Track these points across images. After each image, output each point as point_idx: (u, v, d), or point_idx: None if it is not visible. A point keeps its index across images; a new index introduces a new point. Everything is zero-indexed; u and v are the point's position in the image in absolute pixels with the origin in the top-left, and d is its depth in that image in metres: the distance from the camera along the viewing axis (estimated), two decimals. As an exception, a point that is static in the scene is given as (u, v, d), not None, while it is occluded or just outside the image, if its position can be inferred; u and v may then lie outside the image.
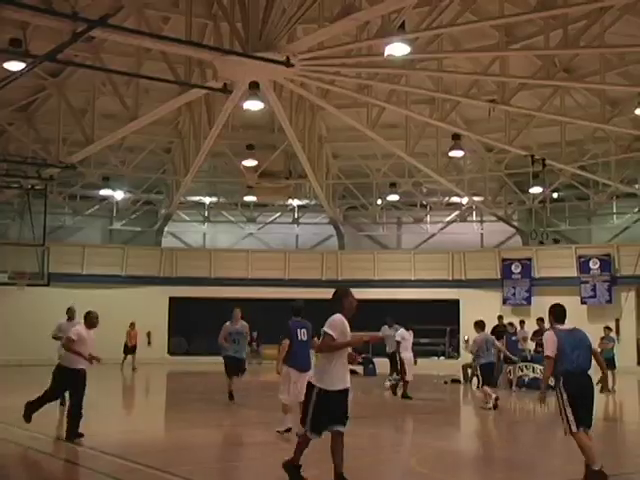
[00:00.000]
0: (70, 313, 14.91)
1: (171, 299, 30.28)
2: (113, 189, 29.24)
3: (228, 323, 15.85)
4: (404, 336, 17.79)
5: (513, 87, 19.76)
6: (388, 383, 18.68)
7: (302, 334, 10.76)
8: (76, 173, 26.08)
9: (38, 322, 26.76)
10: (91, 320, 10.93)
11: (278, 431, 10.78)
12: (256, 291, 29.80)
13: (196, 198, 32.16)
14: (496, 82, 20.46)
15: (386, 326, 20.22)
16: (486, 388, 15.02)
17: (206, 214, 33.45)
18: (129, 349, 26.21)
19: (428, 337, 29.51)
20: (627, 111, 20.59)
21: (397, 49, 15.47)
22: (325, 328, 7.40)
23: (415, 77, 21.15)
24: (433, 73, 20.27)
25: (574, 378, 7.85)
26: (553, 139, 24.63)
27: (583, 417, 7.93)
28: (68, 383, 10.62)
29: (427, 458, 9.66)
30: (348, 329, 7.53)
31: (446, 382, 21.82)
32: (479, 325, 15.56)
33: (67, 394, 11.12)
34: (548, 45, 16.78)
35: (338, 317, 7.50)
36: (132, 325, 26.30)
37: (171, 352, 30.31)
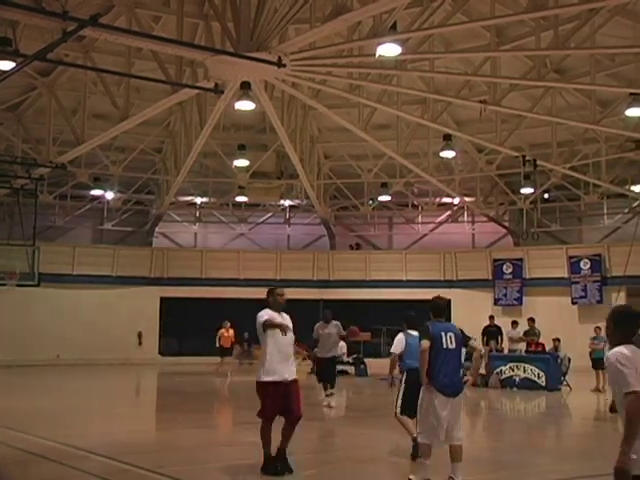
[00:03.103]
0: None
1: (162, 299, 30.19)
2: (104, 189, 29.13)
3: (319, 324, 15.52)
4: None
5: (504, 88, 19.81)
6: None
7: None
8: (66, 173, 25.96)
9: (28, 322, 26.82)
10: None
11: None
12: (247, 291, 29.71)
13: (187, 198, 32.08)
14: (487, 83, 20.51)
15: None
16: None
17: (197, 214, 33.39)
18: (225, 351, 24.30)
19: (420, 338, 29.52)
20: (617, 112, 20.66)
21: (388, 49, 15.47)
22: None
23: (406, 78, 21.17)
24: (424, 74, 20.30)
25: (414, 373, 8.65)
26: (544, 140, 24.71)
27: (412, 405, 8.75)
28: None
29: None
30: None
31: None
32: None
33: None
34: (539, 46, 16.82)
35: None
36: (226, 326, 24.28)
37: (162, 352, 30.23)
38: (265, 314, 8.28)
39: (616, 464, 4.21)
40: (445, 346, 7.64)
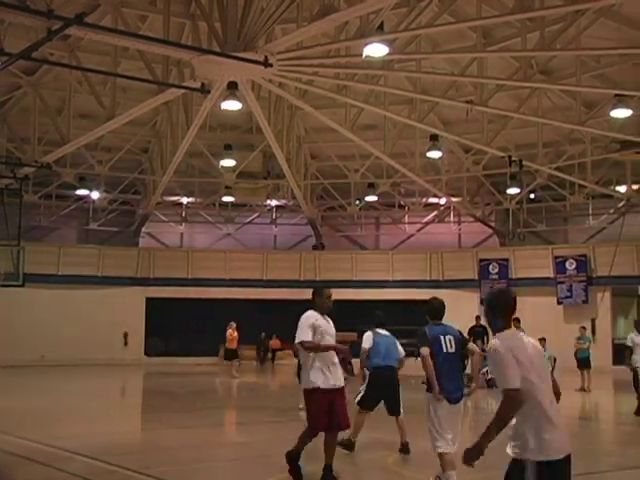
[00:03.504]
0: None
1: (148, 300, 30.09)
2: (89, 189, 28.99)
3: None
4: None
5: (491, 88, 19.86)
6: None
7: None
8: (52, 173, 25.80)
9: (13, 323, 26.64)
10: None
11: None
12: (234, 291, 29.73)
13: (174, 198, 32.00)
14: (474, 83, 20.55)
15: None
16: None
17: (184, 214, 33.30)
18: (231, 353, 23.58)
19: (406, 337, 29.56)
20: (602, 113, 20.76)
21: (375, 50, 15.47)
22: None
23: (393, 78, 21.19)
24: (411, 74, 20.32)
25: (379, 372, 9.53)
26: (530, 140, 24.80)
27: (371, 403, 9.66)
28: None
29: (404, 458, 9.66)
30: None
31: (424, 382, 21.85)
32: None
33: None
34: (525, 47, 16.87)
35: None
36: (232, 326, 23.65)
37: (148, 353, 30.12)
38: (311, 317, 7.75)
39: (468, 448, 4.36)
40: (445, 350, 7.26)
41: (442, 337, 7.28)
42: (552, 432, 4.19)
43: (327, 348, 7.67)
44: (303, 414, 13.58)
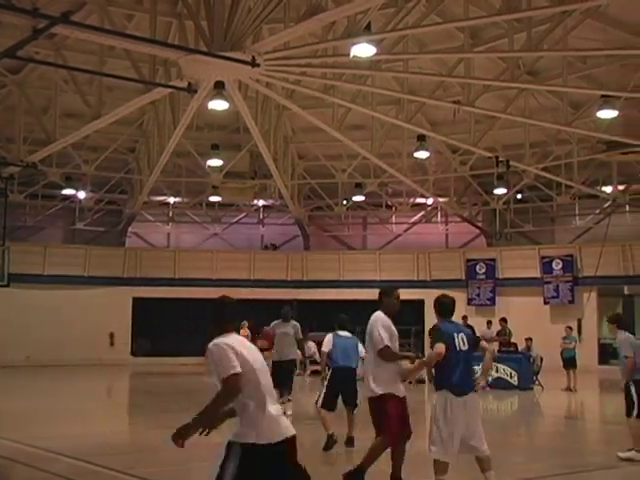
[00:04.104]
0: None
1: (135, 300, 29.94)
2: (76, 188, 28.80)
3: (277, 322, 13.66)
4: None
5: (478, 89, 19.90)
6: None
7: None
8: (37, 172, 25.65)
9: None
10: None
11: None
12: (221, 292, 29.35)
13: (160, 198, 31.89)
14: (461, 83, 20.59)
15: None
16: None
17: (170, 214, 33.19)
18: None
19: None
20: (589, 114, 20.86)
21: (363, 50, 15.47)
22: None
23: (381, 78, 21.19)
24: (399, 74, 20.34)
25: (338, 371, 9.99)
26: (517, 140, 24.86)
27: (331, 403, 10.07)
28: None
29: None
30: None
31: (410, 382, 21.90)
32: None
33: None
34: (512, 47, 16.92)
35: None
36: (244, 325, 22.72)
37: (134, 353, 29.98)
38: (386, 320, 7.53)
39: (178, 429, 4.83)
40: (458, 348, 6.89)
41: (455, 334, 6.96)
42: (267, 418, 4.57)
43: (404, 357, 7.71)
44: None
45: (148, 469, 8.59)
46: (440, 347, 6.81)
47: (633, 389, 9.39)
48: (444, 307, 7.20)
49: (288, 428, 4.61)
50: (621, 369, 9.63)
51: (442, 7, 17.33)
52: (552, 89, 20.68)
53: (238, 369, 4.48)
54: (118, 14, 18.20)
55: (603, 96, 18.78)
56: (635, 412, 9.35)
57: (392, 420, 7.37)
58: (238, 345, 4.64)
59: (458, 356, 6.86)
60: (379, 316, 7.55)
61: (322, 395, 10.16)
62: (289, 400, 13.25)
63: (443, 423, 6.73)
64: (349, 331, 10.55)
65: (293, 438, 4.61)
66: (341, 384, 10.06)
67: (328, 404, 10.07)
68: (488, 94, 20.55)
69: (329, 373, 10.25)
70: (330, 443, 9.81)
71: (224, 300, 5.25)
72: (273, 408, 4.59)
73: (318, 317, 24.61)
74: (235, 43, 14.93)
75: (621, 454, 9.42)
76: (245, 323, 23.08)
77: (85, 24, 15.24)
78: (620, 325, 9.89)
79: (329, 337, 10.45)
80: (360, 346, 10.24)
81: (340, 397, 10.20)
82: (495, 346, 21.34)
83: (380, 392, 7.37)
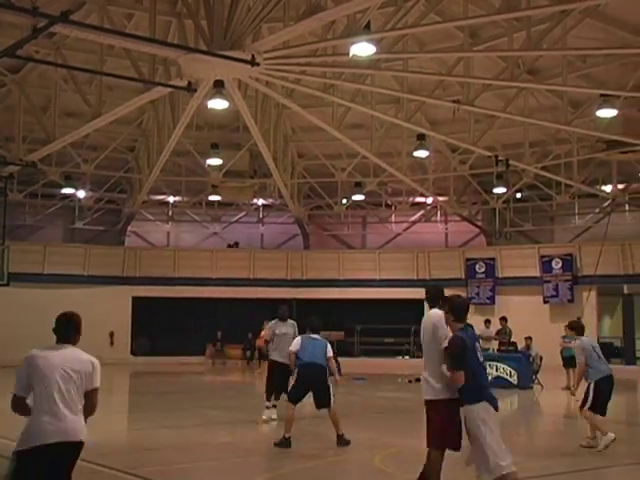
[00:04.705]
0: None
1: (134, 299, 29.95)
2: (75, 188, 28.82)
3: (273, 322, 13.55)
4: None
5: (477, 88, 19.90)
6: None
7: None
8: (37, 171, 25.68)
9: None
10: None
11: None
12: (221, 291, 29.65)
13: (160, 197, 31.89)
14: (460, 83, 20.58)
15: None
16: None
17: (170, 213, 33.19)
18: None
19: (393, 336, 29.67)
20: (589, 113, 20.86)
21: (362, 49, 15.47)
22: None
23: (380, 77, 21.19)
24: (398, 73, 20.34)
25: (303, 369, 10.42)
26: (516, 140, 24.87)
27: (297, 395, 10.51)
28: None
29: (391, 456, 9.67)
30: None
31: (410, 381, 21.91)
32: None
33: None
34: (512, 47, 16.93)
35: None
36: (266, 325, 23.15)
37: (134, 352, 29.98)
38: (443, 320, 6.76)
39: None
40: (481, 359, 6.41)
41: (475, 344, 6.43)
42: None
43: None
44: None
45: (149, 468, 8.59)
46: (459, 377, 6.26)
47: (592, 387, 10.33)
48: (459, 309, 6.64)
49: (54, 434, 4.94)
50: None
51: (441, 6, 17.33)
52: (552, 88, 20.68)
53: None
54: (118, 13, 18.22)
55: (602, 95, 18.77)
56: (588, 406, 10.24)
57: (442, 429, 6.65)
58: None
59: (483, 367, 6.51)
60: (440, 313, 6.84)
61: (290, 386, 10.94)
62: (274, 406, 12.85)
63: (496, 434, 6.16)
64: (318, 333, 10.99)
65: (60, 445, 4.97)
66: (309, 380, 10.39)
67: (293, 395, 10.53)
68: (488, 93, 20.56)
69: (297, 370, 10.76)
70: (284, 444, 9.95)
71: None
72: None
73: (318, 316, 24.58)
74: (235, 42, 14.93)
75: (600, 447, 9.87)
76: (268, 323, 22.82)
77: (85, 23, 15.25)
78: (578, 332, 10.63)
79: (297, 339, 11.00)
80: (329, 348, 10.71)
81: (313, 400, 10.47)
82: (495, 345, 21.38)
83: (433, 396, 6.70)
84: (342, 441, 10.15)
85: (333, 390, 10.48)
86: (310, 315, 11.48)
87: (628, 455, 10.18)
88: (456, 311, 6.58)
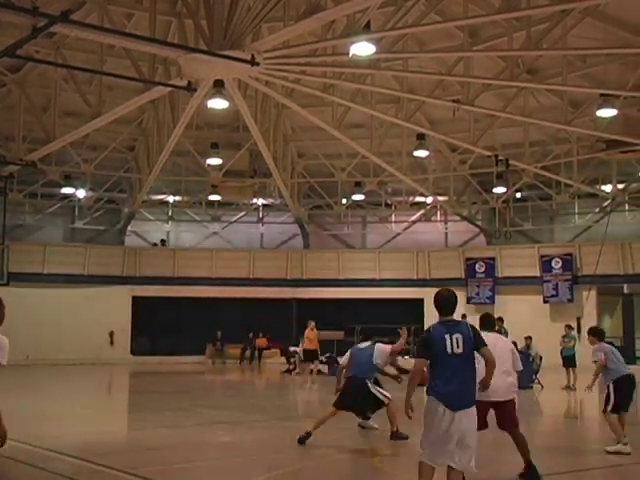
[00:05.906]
0: None
1: (134, 298, 29.96)
2: (75, 187, 28.84)
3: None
4: None
5: (477, 88, 19.91)
6: None
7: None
8: (37, 171, 25.69)
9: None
10: None
11: None
12: (220, 290, 29.66)
13: (160, 197, 31.89)
14: (460, 82, 20.60)
15: None
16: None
17: (170, 213, 33.19)
18: (310, 354, 22.32)
19: (393, 336, 29.62)
20: (588, 112, 20.86)
21: (362, 49, 15.49)
22: None
23: (380, 77, 21.20)
24: (398, 73, 20.35)
25: None
26: (516, 139, 24.89)
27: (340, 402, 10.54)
28: None
29: (389, 456, 9.67)
30: None
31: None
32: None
33: None
34: (512, 46, 16.95)
35: None
36: (310, 325, 22.43)
37: (134, 352, 29.98)
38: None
39: None
40: (450, 351, 6.11)
41: (447, 336, 6.18)
42: None
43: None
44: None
45: (149, 468, 8.58)
46: (419, 364, 6.24)
47: (612, 387, 9.95)
48: (446, 302, 6.46)
49: None
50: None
51: (441, 6, 17.35)
52: (551, 88, 20.69)
53: None
54: (118, 13, 18.24)
55: (602, 95, 18.78)
56: (610, 407, 9.88)
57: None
58: None
59: (450, 361, 6.11)
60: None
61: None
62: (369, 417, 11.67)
63: (435, 431, 6.06)
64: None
65: None
66: (349, 392, 10.46)
67: (337, 403, 10.46)
68: (487, 93, 20.57)
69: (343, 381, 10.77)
70: (305, 438, 10.04)
71: None
72: None
73: (317, 316, 24.60)
74: (235, 42, 14.94)
75: (609, 448, 9.65)
76: (312, 323, 22.80)
77: (85, 23, 15.26)
78: (599, 337, 10.36)
79: (348, 353, 11.05)
80: (376, 352, 10.83)
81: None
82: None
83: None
84: (397, 436, 10.28)
85: (383, 390, 10.72)
86: (319, 316, 11.71)
87: (628, 455, 10.16)
88: (442, 304, 6.50)
